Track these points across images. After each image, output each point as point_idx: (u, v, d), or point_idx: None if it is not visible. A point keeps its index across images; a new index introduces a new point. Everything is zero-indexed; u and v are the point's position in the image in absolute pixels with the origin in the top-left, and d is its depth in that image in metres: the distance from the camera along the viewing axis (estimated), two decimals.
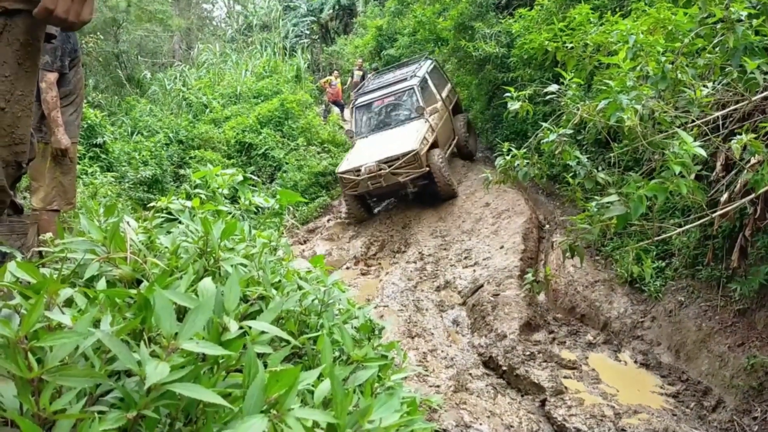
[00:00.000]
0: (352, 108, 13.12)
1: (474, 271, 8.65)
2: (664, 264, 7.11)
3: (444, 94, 12.45)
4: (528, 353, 6.40)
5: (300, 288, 1.78)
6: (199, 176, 3.36)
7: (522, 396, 5.81)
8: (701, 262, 6.59)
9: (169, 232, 1.91)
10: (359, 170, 10.48)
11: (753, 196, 4.01)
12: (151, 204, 2.77)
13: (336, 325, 1.64)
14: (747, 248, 5.81)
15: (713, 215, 4.24)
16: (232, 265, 1.53)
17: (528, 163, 3.74)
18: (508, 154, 4.10)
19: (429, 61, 13.01)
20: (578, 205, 4.19)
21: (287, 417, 0.91)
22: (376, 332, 2.07)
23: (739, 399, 5.50)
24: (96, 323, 1.01)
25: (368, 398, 1.20)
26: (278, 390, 0.92)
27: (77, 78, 4.09)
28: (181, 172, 14.02)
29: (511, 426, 5.17)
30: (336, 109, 19.46)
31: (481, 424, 5.05)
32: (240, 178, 3.17)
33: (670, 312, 6.74)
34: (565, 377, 6.03)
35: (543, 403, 5.59)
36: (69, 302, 1.18)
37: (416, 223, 11.05)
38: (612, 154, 3.46)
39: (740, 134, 3.25)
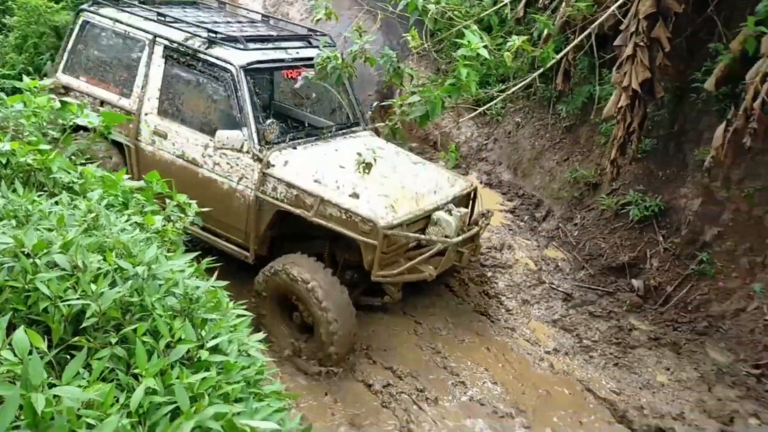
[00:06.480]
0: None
1: None
2: (503, 87, 7.57)
3: None
4: None
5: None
6: (15, 101, 3.22)
7: None
8: (534, 85, 7.12)
9: None
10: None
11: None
12: None
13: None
14: (570, 71, 6.36)
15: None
16: None
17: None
18: None
19: None
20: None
21: None
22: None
23: (564, 208, 6.37)
24: None
25: None
26: None
27: None
28: (5, 21, 12.32)
29: None
30: None
31: None
32: (58, 105, 3.07)
33: (509, 133, 7.38)
34: None
35: None
36: None
37: None
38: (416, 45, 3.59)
39: None
